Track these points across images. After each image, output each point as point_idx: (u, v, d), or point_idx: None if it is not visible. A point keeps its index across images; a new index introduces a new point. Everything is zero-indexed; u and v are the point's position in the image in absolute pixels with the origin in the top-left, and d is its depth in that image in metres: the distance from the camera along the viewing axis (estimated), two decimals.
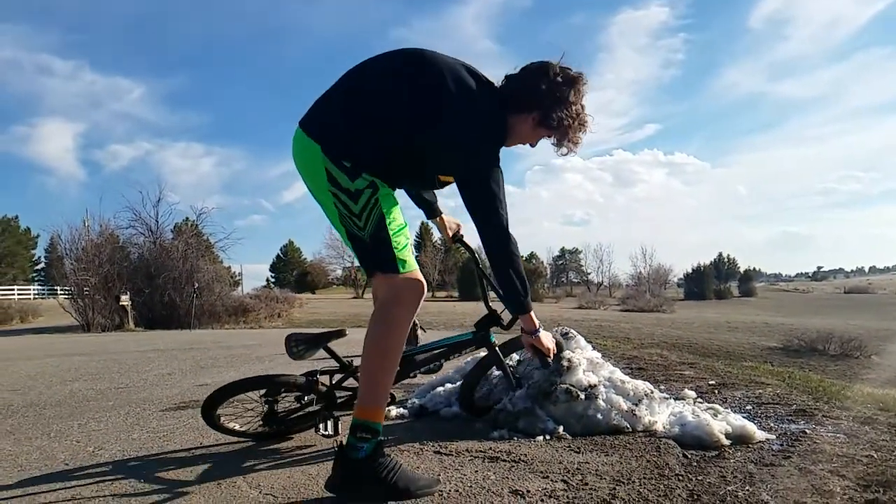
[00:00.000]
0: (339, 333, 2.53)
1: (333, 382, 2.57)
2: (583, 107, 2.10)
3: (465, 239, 2.84)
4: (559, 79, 2.05)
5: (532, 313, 2.20)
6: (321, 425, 2.36)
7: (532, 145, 2.18)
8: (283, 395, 2.55)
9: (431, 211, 2.66)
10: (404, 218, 2.08)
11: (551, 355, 2.40)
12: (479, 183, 1.95)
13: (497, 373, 3.08)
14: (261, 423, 2.60)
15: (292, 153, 2.05)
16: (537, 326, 2.25)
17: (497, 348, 2.78)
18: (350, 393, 2.56)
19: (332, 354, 2.55)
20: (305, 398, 2.54)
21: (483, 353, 2.88)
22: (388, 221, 1.97)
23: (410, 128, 1.95)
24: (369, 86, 1.99)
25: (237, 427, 2.68)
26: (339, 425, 2.37)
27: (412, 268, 2.01)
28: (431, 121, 1.93)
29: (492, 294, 2.66)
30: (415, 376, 2.67)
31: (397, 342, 1.95)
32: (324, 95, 2.03)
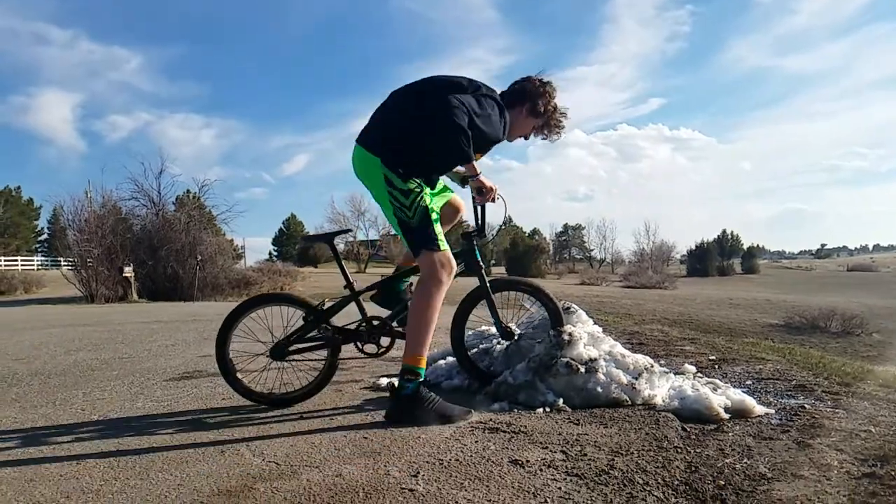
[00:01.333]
0: (347, 231, 2.99)
1: (335, 304, 2.88)
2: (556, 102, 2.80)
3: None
4: (538, 82, 2.78)
5: (474, 162, 2.58)
6: (367, 344, 2.85)
7: (525, 138, 2.90)
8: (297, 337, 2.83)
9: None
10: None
11: (494, 192, 2.72)
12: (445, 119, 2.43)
13: (499, 347, 3.10)
14: (267, 354, 2.81)
15: (353, 165, 2.65)
16: (479, 171, 2.63)
17: (484, 274, 2.91)
18: (350, 329, 2.85)
19: (335, 253, 3.00)
20: (311, 317, 2.81)
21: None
22: (430, 211, 2.55)
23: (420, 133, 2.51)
24: (401, 109, 2.60)
25: (243, 380, 2.80)
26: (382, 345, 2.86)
27: (447, 248, 2.58)
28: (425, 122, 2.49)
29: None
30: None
31: (435, 307, 2.52)
32: (375, 116, 2.65)
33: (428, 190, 2.61)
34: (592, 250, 79.43)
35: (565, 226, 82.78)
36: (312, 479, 1.82)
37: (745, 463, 1.91)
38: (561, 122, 2.84)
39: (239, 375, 2.79)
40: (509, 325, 3.01)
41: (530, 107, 2.75)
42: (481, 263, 2.92)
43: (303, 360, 2.86)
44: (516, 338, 3.02)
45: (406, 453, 2.05)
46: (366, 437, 2.24)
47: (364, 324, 2.84)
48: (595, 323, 3.18)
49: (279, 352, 2.80)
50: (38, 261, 43.30)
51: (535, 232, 72.84)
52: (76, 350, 4.98)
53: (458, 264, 2.88)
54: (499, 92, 2.71)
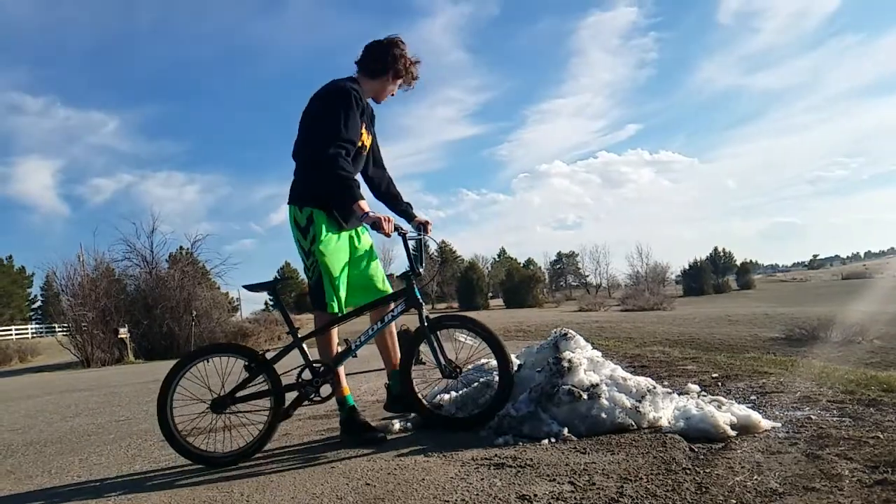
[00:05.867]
0: (287, 279, 3.34)
1: (279, 352, 2.88)
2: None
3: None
4: (390, 43, 3.02)
5: (361, 202, 2.73)
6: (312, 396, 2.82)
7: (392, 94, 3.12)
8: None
9: (409, 216, 3.28)
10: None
11: (386, 223, 2.72)
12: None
13: (483, 379, 3.08)
14: (209, 408, 2.77)
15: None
16: (366, 209, 2.74)
17: (423, 313, 2.90)
18: (292, 382, 2.81)
19: (278, 301, 3.00)
20: (254, 365, 2.77)
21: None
22: (326, 271, 2.87)
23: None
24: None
25: (190, 441, 2.75)
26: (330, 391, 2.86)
27: (335, 309, 2.94)
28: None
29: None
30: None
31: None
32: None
33: (331, 233, 2.90)
34: (588, 276, 79.51)
35: (559, 254, 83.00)
36: None
37: (756, 479, 1.88)
38: (415, 74, 3.10)
39: (185, 436, 2.74)
40: (454, 362, 2.95)
41: (394, 72, 3.03)
42: (421, 301, 2.94)
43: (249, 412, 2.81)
44: (461, 375, 2.98)
45: (410, 497, 2.00)
46: (368, 484, 2.19)
47: (306, 369, 2.84)
48: (595, 348, 3.16)
49: (221, 405, 2.75)
50: (32, 329, 42.86)
51: (529, 262, 73.04)
52: (72, 416, 4.89)
53: (398, 303, 3.01)
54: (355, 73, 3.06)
